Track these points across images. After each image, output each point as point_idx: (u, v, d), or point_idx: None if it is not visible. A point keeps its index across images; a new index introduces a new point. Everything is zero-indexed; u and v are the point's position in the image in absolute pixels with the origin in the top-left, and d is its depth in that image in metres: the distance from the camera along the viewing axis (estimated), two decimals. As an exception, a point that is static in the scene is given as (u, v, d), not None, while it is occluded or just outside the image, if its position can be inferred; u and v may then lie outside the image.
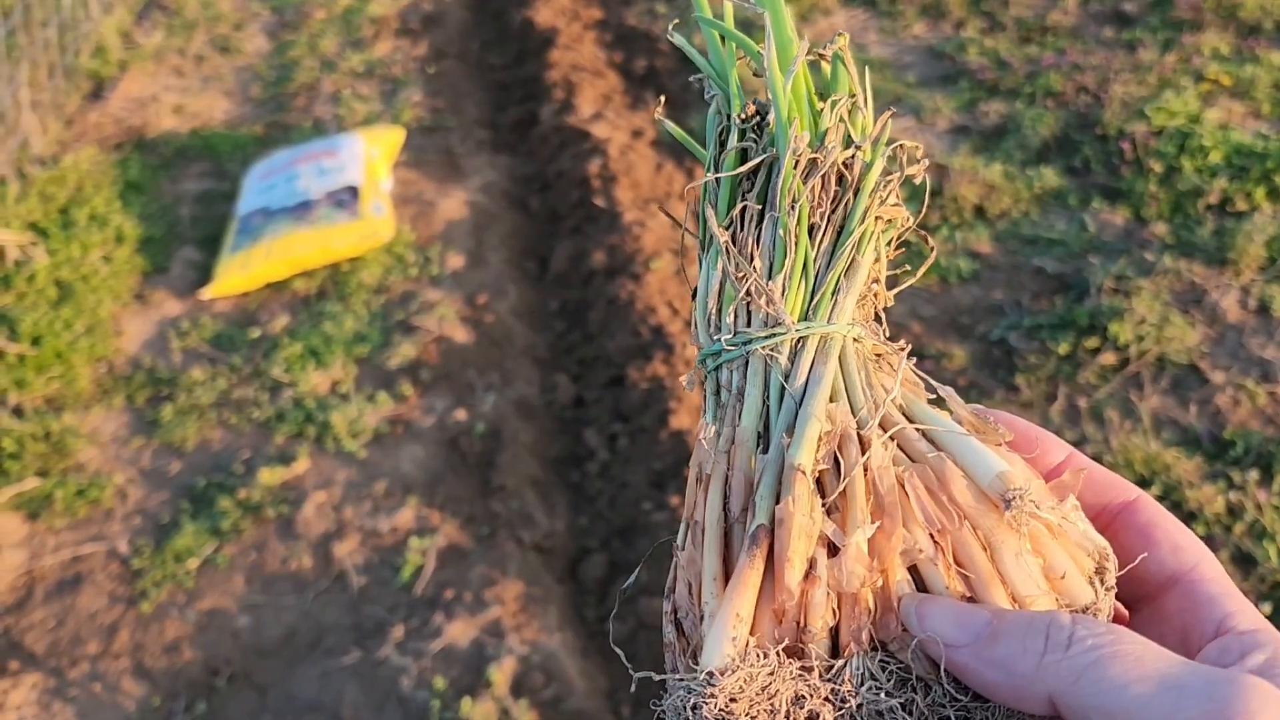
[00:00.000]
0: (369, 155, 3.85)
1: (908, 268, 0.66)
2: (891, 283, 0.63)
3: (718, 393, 0.58)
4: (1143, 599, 0.55)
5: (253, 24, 5.39)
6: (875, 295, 0.61)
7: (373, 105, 4.55)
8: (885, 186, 0.60)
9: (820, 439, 0.53)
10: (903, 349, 0.59)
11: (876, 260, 0.61)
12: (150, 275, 3.60)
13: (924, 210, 0.67)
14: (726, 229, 0.60)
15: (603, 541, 2.65)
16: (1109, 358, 2.90)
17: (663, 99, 0.74)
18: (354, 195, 3.66)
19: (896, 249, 0.63)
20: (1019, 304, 3.16)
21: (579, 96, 4.34)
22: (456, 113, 4.52)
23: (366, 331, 3.26)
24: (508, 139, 4.45)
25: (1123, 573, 0.53)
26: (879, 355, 0.59)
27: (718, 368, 0.58)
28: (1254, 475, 2.54)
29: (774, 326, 0.57)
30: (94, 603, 2.50)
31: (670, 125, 0.68)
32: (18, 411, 2.98)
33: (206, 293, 3.46)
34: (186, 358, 3.22)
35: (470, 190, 3.97)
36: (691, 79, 0.67)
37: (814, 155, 0.59)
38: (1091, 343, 2.95)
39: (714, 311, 0.60)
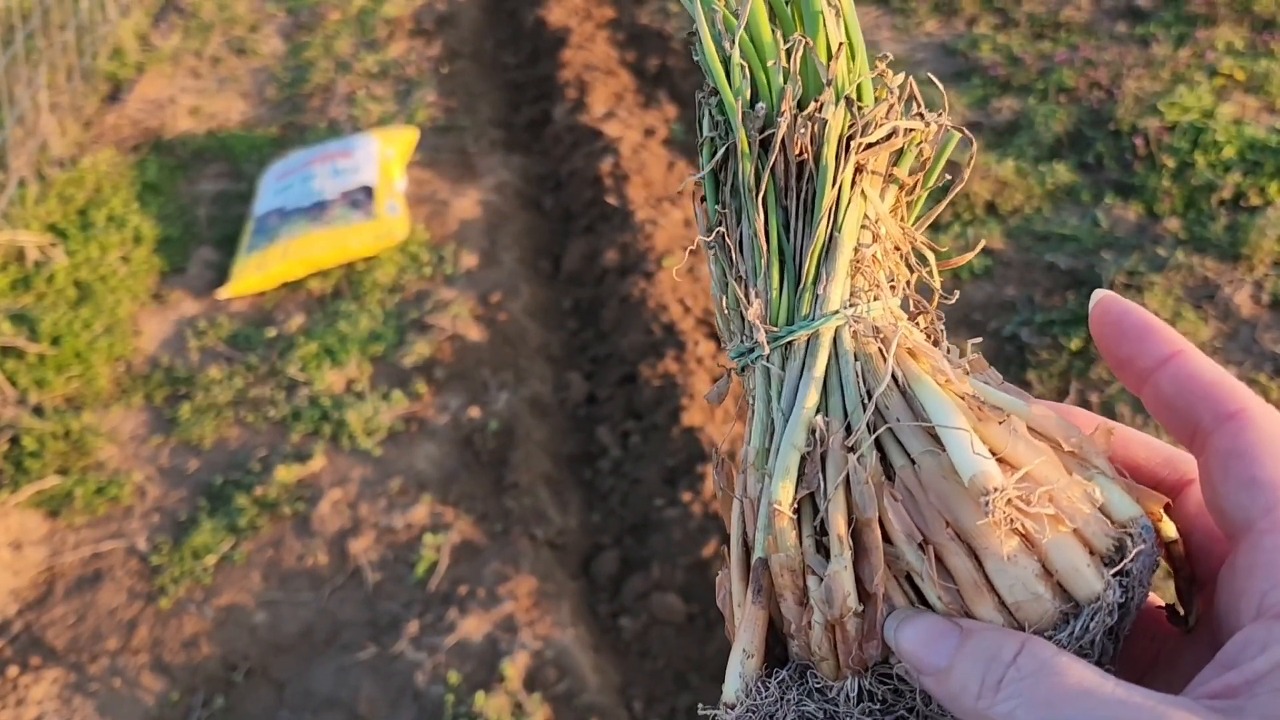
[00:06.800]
0: (384, 155, 3.87)
1: (948, 176, 0.58)
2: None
3: (749, 396, 0.56)
4: (1233, 538, 0.47)
5: (268, 25, 5.43)
6: (896, 247, 0.56)
7: (387, 106, 4.58)
8: (867, 129, 0.53)
9: (804, 460, 0.51)
10: (899, 320, 0.55)
11: (876, 218, 0.55)
12: (168, 275, 3.64)
13: (948, 110, 0.57)
14: (719, 227, 0.56)
15: (615, 538, 2.67)
16: (1121, 353, 2.90)
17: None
18: (369, 195, 3.69)
19: (938, 170, 0.56)
20: (1031, 300, 3.16)
21: (591, 96, 4.36)
22: (470, 113, 4.55)
23: (381, 330, 3.29)
24: (521, 138, 4.47)
25: (1131, 557, 0.49)
26: (899, 317, 0.55)
27: (743, 369, 0.56)
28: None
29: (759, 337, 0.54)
30: (113, 599, 2.53)
31: None
32: (38, 410, 3.02)
33: (223, 292, 3.49)
34: (204, 357, 3.26)
35: (484, 190, 4.00)
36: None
37: (770, 130, 0.53)
38: (1103, 339, 2.95)
39: (725, 317, 0.57)
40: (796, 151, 0.53)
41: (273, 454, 2.88)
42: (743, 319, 0.55)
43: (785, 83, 0.53)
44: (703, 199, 0.57)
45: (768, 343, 0.53)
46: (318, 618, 2.47)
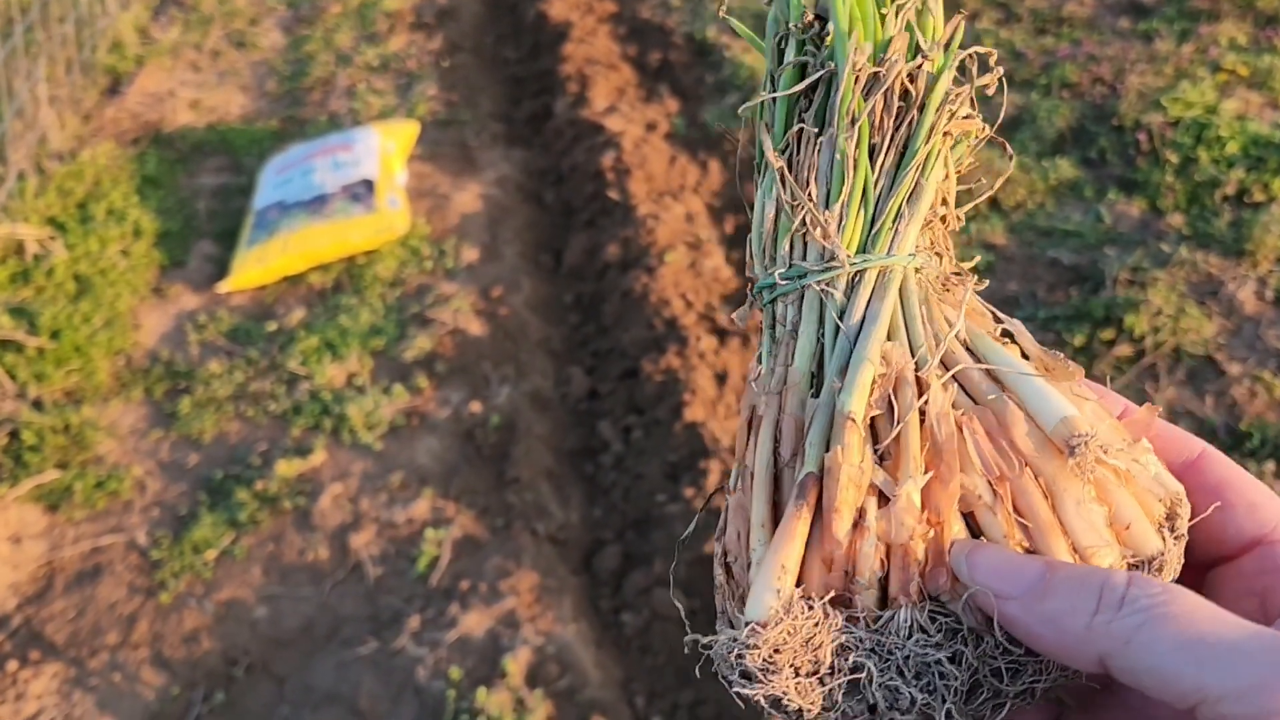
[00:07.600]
0: (384, 149, 3.86)
1: (982, 179, 0.61)
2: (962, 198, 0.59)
3: (773, 326, 0.56)
4: (1220, 559, 0.52)
5: (268, 19, 5.41)
6: (943, 219, 0.57)
7: (388, 99, 4.56)
8: (955, 99, 0.56)
9: (874, 382, 0.51)
10: (970, 277, 0.56)
11: (945, 178, 0.57)
12: (168, 269, 3.63)
13: (998, 123, 0.61)
14: (782, 153, 0.57)
15: (617, 533, 2.66)
16: (1124, 350, 2.89)
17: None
18: (369, 189, 3.68)
19: (967, 164, 0.59)
20: (1034, 296, 3.15)
21: (593, 90, 4.34)
22: (471, 106, 4.53)
23: (382, 324, 3.28)
24: (522, 132, 4.46)
25: (1193, 522, 0.51)
26: (944, 285, 0.56)
27: (773, 300, 0.56)
28: (1270, 467, 2.53)
29: (829, 260, 0.54)
30: (113, 593, 2.53)
31: (735, 23, 0.62)
32: (37, 404, 3.01)
33: (223, 286, 3.48)
34: (204, 351, 3.25)
35: (485, 184, 3.98)
36: None
37: (876, 69, 0.55)
38: (1107, 335, 2.94)
39: (769, 242, 0.57)
40: (899, 94, 0.55)
41: (273, 448, 2.87)
42: (791, 244, 0.56)
43: (896, 31, 0.56)
44: (766, 124, 0.59)
45: (847, 263, 0.54)
46: (318, 613, 2.46)
